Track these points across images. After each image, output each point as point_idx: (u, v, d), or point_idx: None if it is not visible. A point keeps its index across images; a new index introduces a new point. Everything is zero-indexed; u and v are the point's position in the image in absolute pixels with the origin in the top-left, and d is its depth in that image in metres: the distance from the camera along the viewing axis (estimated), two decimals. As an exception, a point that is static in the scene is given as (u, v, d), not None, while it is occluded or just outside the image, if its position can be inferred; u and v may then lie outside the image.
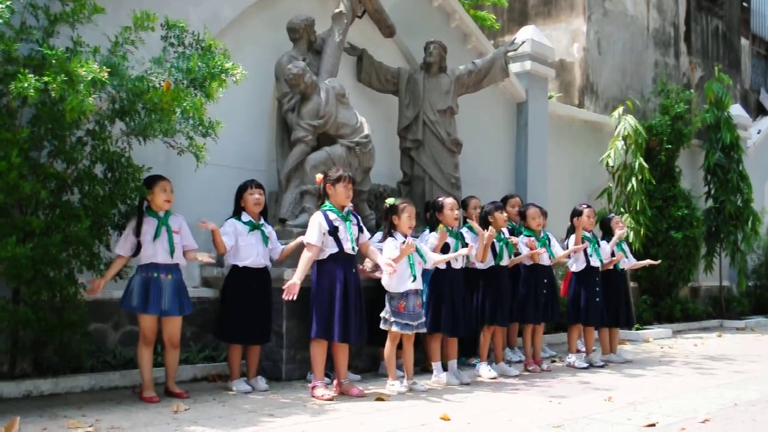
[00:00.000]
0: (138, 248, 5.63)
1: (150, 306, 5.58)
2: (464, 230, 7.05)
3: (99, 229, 5.75)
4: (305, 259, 5.92)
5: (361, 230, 6.15)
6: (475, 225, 6.97)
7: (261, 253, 6.14)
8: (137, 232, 5.63)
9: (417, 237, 6.64)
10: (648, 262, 8.84)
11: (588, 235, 8.06)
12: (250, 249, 6.10)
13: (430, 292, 6.62)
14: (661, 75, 15.29)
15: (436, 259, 6.49)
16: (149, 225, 5.66)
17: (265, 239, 6.18)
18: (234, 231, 6.08)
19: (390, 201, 6.44)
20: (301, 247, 6.09)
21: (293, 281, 5.80)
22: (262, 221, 6.25)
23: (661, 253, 12.15)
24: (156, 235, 5.63)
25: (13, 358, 5.74)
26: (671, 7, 16.23)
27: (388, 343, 6.28)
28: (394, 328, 6.17)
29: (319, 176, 6.21)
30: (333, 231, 5.91)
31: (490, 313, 7.06)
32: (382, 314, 6.23)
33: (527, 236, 7.62)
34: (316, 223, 5.95)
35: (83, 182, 5.67)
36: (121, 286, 6.05)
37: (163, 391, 5.70)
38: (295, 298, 5.79)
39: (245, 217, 6.17)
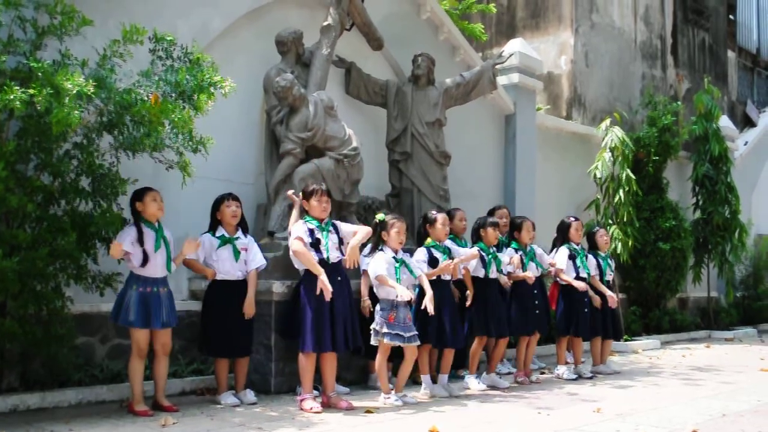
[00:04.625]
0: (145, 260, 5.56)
1: (153, 320, 5.58)
2: (449, 242, 7.02)
3: (86, 243, 5.73)
4: (305, 255, 5.94)
5: (341, 242, 6.16)
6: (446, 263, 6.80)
7: (234, 267, 6.14)
8: (141, 242, 5.58)
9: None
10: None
11: (576, 247, 8.10)
12: (221, 263, 6.12)
13: (418, 304, 6.60)
14: (649, 87, 15.37)
15: (426, 273, 6.50)
16: (149, 237, 5.63)
17: (236, 253, 6.16)
18: (202, 250, 6.09)
19: (380, 217, 6.47)
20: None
21: (323, 281, 5.84)
22: (238, 234, 6.24)
23: (649, 265, 12.23)
24: (156, 248, 5.62)
25: (0, 372, 5.70)
26: (658, 19, 16.34)
27: (379, 356, 6.25)
28: (386, 340, 6.14)
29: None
30: (315, 243, 5.98)
31: (481, 324, 7.05)
32: (372, 326, 6.21)
33: (515, 249, 7.62)
34: (298, 230, 6.03)
35: (70, 195, 5.65)
36: (108, 299, 6.02)
37: (152, 405, 5.66)
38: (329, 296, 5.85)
39: (219, 231, 6.18)
